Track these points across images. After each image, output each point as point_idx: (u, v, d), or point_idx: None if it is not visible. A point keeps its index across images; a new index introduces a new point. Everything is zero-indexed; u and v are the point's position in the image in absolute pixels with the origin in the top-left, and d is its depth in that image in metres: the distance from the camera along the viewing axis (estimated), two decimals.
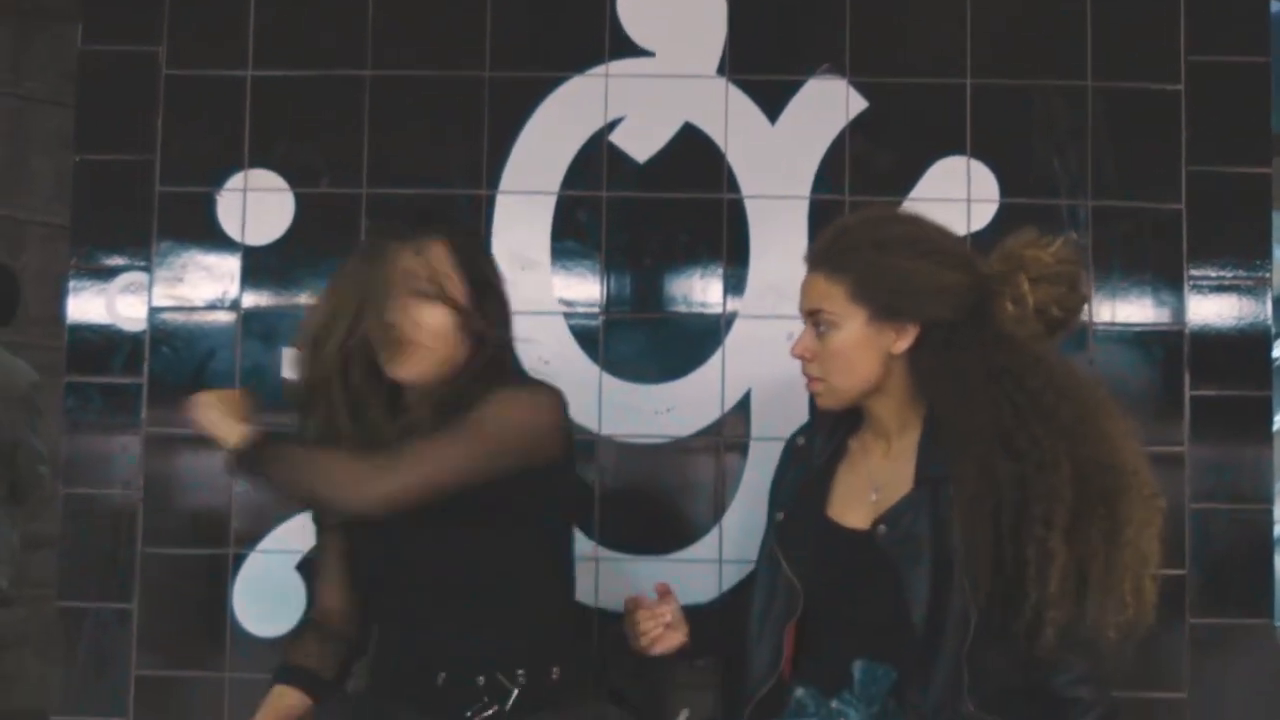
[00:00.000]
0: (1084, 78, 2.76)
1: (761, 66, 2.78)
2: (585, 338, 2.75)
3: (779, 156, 2.75)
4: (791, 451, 2.21)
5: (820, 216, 2.70)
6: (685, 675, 2.63)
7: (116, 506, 2.76)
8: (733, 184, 2.75)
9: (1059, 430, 1.85)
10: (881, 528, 1.96)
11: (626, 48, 2.78)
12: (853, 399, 2.04)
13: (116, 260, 2.78)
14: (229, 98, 2.78)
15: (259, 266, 2.77)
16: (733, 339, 2.74)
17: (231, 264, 2.77)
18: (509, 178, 2.76)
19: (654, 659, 2.23)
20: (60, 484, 2.80)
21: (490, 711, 2.05)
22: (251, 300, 2.77)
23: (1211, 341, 2.74)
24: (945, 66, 2.76)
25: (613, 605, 2.52)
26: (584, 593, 2.50)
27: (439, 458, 1.97)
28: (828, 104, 2.75)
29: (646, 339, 2.77)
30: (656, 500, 2.74)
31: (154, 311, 2.77)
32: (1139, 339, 2.75)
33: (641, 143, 2.76)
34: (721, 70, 2.78)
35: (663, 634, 2.19)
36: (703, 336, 2.75)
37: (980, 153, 2.74)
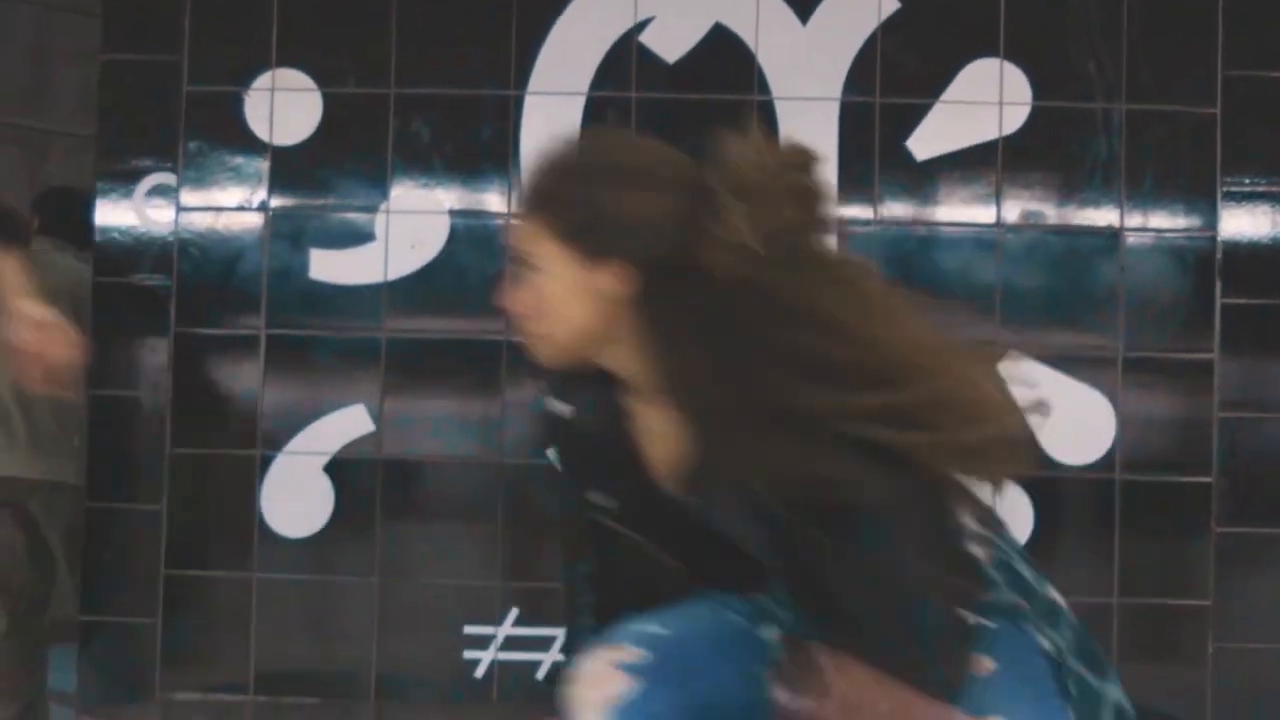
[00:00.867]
0: None
1: None
2: None
3: (810, 58, 2.72)
4: (558, 423, 1.76)
5: (851, 119, 2.68)
6: None
7: (145, 408, 2.77)
8: (763, 85, 2.72)
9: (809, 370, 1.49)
10: (695, 500, 1.70)
11: None
12: (576, 352, 1.71)
13: (144, 162, 2.78)
14: None
15: (287, 167, 2.76)
16: None
17: (259, 165, 2.76)
18: (538, 78, 2.74)
19: None
20: (89, 386, 2.80)
21: None
22: (279, 201, 2.76)
23: (1244, 250, 2.72)
24: None
25: None
26: None
27: None
28: (859, 4, 2.72)
29: None
30: None
31: (181, 212, 2.77)
32: (1170, 246, 2.72)
33: (671, 43, 2.74)
34: None
35: None
36: None
37: (1013, 54, 2.70)
